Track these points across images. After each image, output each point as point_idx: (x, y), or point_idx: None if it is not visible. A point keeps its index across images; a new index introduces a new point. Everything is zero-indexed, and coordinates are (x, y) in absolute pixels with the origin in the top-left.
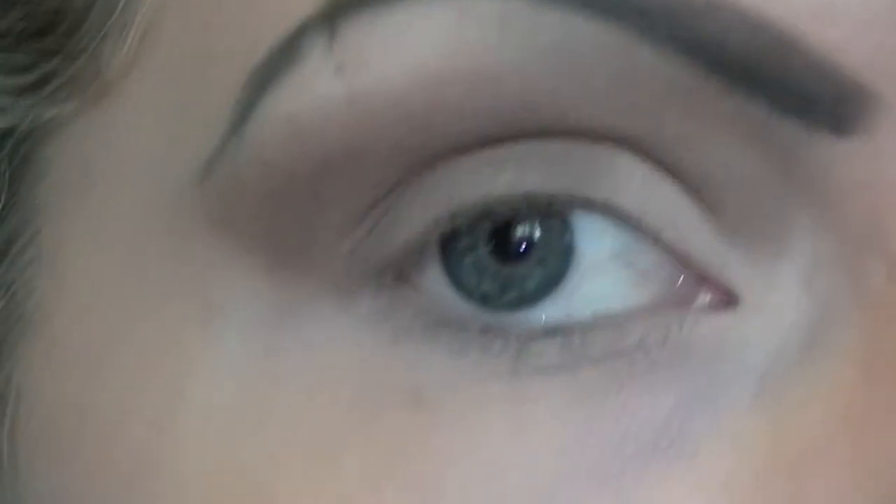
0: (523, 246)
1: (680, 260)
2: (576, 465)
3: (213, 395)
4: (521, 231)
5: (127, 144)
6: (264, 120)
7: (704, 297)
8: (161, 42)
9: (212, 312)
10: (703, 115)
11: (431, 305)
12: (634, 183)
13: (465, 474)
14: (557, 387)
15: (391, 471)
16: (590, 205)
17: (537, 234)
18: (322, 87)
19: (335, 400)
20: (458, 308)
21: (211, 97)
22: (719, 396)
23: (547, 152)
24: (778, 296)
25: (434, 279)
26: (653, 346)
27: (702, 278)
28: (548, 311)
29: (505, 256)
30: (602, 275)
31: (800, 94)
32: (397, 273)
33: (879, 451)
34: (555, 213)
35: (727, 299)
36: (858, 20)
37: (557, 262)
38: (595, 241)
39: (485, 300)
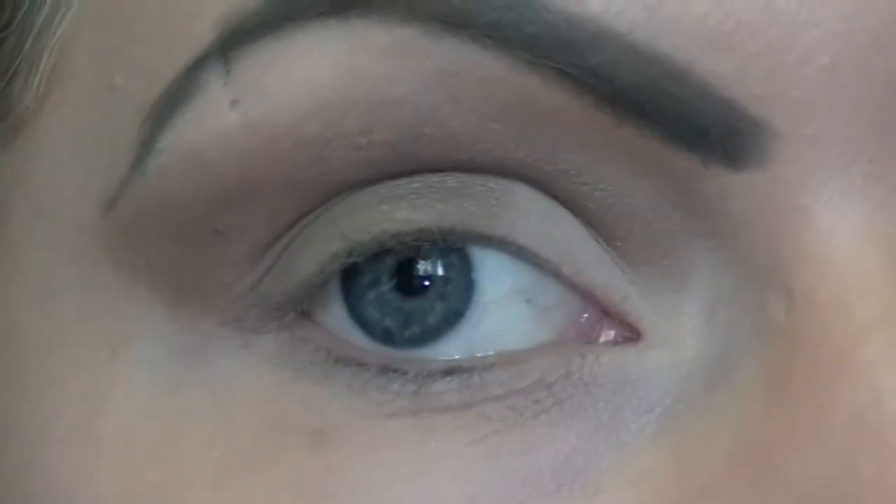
0: (425, 281)
1: (581, 295)
2: (477, 502)
3: (122, 427)
4: (422, 267)
5: (39, 180)
6: (164, 153)
7: (608, 333)
8: (69, 78)
9: (119, 346)
10: (597, 147)
11: (332, 343)
12: (533, 218)
13: None
14: (459, 424)
15: None
16: (486, 240)
17: (438, 269)
18: (219, 118)
19: (238, 435)
20: (358, 346)
21: (115, 132)
22: (622, 432)
23: (443, 187)
24: (680, 330)
25: (336, 315)
26: (554, 382)
27: (604, 313)
28: (449, 348)
29: (407, 292)
30: (503, 310)
31: (692, 126)
32: (299, 310)
33: (779, 485)
34: (453, 249)
35: (630, 335)
36: (749, 52)
37: (458, 297)
38: (496, 277)
39: (387, 336)
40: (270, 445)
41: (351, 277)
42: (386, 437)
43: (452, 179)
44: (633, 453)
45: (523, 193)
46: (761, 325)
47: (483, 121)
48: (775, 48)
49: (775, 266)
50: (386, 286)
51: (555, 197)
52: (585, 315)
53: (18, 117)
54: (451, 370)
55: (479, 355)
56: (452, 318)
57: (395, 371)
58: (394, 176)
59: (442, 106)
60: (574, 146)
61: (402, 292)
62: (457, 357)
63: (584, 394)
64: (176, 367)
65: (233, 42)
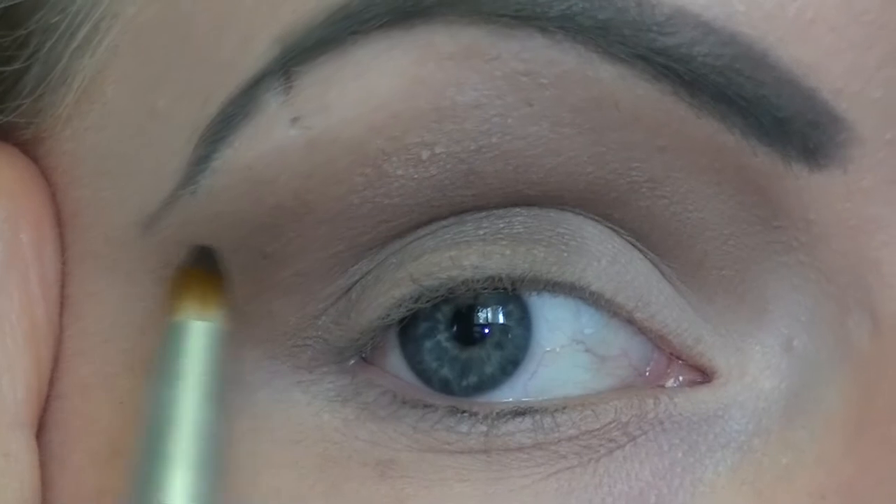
0: (482, 331)
1: (653, 340)
2: None
3: None
4: (479, 316)
5: (60, 194)
6: (219, 172)
7: (677, 379)
8: (99, 100)
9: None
10: (676, 149)
11: (398, 387)
12: (603, 262)
13: None
14: (531, 461)
15: None
16: (557, 287)
17: (495, 319)
18: (279, 135)
19: (291, 469)
20: (422, 390)
21: (157, 154)
22: (698, 467)
23: (511, 233)
24: (756, 362)
25: (394, 364)
26: (628, 421)
27: (674, 358)
28: (507, 397)
29: (463, 341)
30: (561, 360)
31: (772, 115)
32: (360, 355)
33: None
34: (511, 298)
35: (701, 378)
36: (829, 46)
37: (515, 346)
38: (554, 326)
39: (444, 385)
40: (332, 477)
41: (408, 327)
42: (456, 472)
43: (519, 224)
44: (708, 489)
45: (592, 235)
46: (843, 352)
47: (556, 126)
48: (856, 46)
49: (859, 285)
50: (442, 336)
51: (625, 232)
52: (650, 364)
53: (37, 138)
54: (522, 411)
55: (546, 398)
56: (510, 367)
57: (463, 412)
58: (458, 209)
59: (513, 110)
60: (652, 150)
61: (458, 342)
62: (527, 399)
63: (658, 431)
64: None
65: (294, 59)
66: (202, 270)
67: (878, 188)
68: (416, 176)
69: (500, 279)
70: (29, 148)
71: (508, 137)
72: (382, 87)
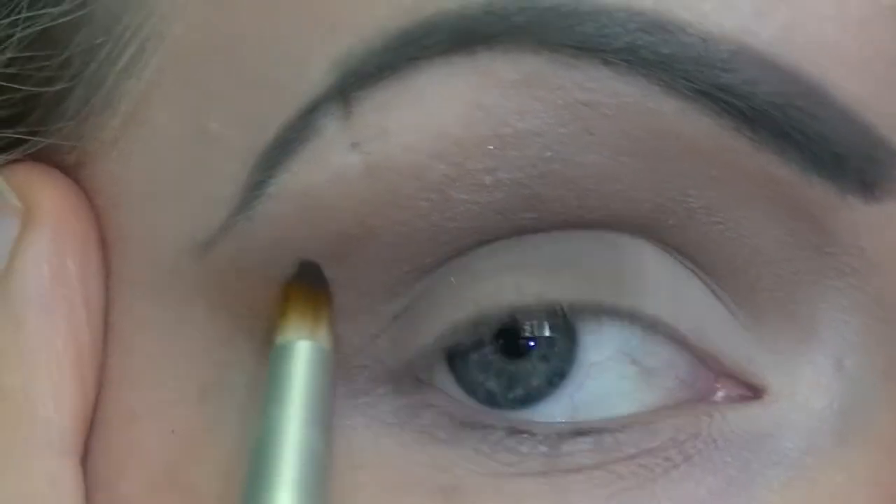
0: (528, 343)
1: (708, 362)
2: None
3: (214, 476)
4: (525, 329)
5: (105, 218)
6: (276, 198)
7: (727, 393)
8: (146, 123)
9: (209, 389)
10: (731, 179)
11: (455, 407)
12: (662, 287)
13: None
14: (591, 483)
15: None
16: (616, 313)
17: (540, 330)
18: (339, 161)
19: (358, 493)
20: (480, 409)
21: (209, 177)
22: (752, 485)
23: (571, 258)
24: (808, 380)
25: (440, 377)
26: (685, 440)
27: (724, 374)
28: (553, 410)
29: (509, 353)
30: (608, 372)
31: (830, 151)
32: (414, 375)
33: None
34: (574, 320)
35: (752, 394)
36: (887, 80)
37: (562, 358)
38: (600, 338)
39: (490, 398)
40: (395, 502)
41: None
42: (519, 496)
43: (580, 247)
44: None
45: (652, 260)
46: (893, 373)
47: (615, 154)
48: None
49: None
50: (488, 348)
51: (682, 255)
52: (698, 376)
53: (81, 162)
54: (583, 431)
55: (603, 416)
56: (556, 379)
57: (523, 433)
58: (519, 231)
59: (574, 139)
60: (707, 180)
61: (504, 354)
62: (586, 419)
63: (712, 450)
64: None
65: (353, 84)
66: (307, 286)
67: None
68: (480, 200)
69: (560, 304)
70: (71, 171)
71: (570, 165)
72: (443, 113)
